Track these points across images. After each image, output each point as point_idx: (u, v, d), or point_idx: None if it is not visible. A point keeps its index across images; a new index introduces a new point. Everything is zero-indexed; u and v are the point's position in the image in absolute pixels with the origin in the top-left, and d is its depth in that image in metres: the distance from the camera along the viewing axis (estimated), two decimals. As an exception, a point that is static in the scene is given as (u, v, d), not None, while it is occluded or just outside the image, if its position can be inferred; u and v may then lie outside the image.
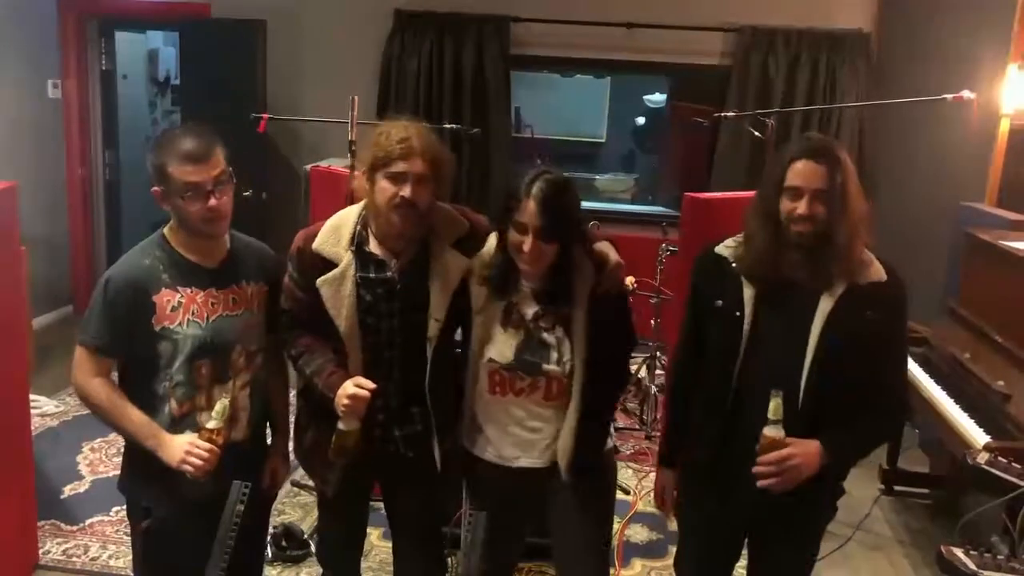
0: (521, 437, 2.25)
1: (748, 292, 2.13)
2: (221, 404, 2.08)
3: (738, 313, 2.12)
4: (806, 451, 2.03)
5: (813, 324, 2.07)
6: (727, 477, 2.19)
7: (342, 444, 2.19)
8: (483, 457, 2.30)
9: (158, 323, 2.11)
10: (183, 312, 2.13)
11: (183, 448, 2.06)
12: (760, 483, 2.03)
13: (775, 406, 1.99)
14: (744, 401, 2.13)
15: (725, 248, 2.22)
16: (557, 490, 2.26)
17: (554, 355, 2.17)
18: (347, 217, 2.28)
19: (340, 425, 2.17)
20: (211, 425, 2.06)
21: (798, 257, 2.08)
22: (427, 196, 2.16)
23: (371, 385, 2.12)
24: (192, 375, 2.14)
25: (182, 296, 2.13)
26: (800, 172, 2.03)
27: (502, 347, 2.20)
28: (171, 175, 2.07)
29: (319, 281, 2.20)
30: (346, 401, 2.12)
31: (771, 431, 2.01)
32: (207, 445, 2.05)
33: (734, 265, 2.16)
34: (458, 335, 2.35)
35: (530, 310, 2.19)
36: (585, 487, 2.27)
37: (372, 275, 2.22)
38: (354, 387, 2.12)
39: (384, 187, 2.14)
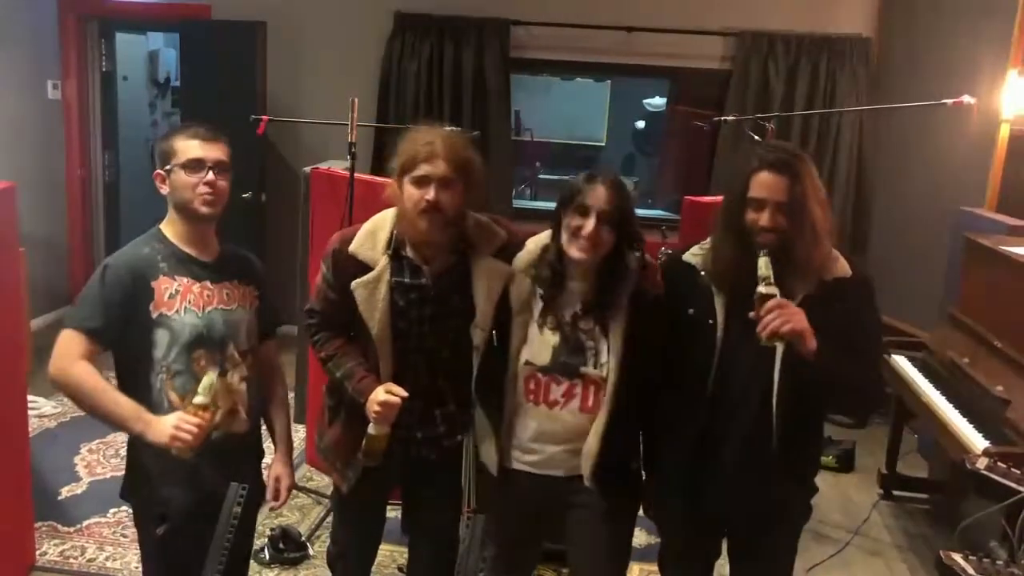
0: (553, 448, 2.24)
1: (720, 301, 2.15)
2: (208, 379, 2.07)
3: (711, 321, 2.14)
4: (802, 313, 2.00)
5: None
6: (703, 479, 2.21)
7: (371, 447, 2.22)
8: (511, 466, 2.29)
9: (156, 309, 2.12)
10: (180, 299, 2.14)
11: (171, 424, 2.02)
12: (761, 331, 1.96)
13: (764, 263, 1.99)
14: (718, 406, 2.14)
15: (692, 256, 2.24)
16: (580, 503, 2.25)
17: (592, 358, 2.17)
18: (384, 221, 2.28)
19: (370, 429, 2.20)
20: (198, 400, 2.04)
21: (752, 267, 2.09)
22: (453, 200, 2.16)
23: (403, 393, 2.15)
24: (190, 365, 2.14)
25: (179, 285, 2.15)
26: (763, 184, 2.05)
27: (539, 349, 2.20)
28: (177, 149, 2.14)
29: (354, 284, 2.21)
30: (377, 408, 2.15)
31: (763, 288, 1.99)
32: (195, 420, 2.03)
33: (703, 274, 2.18)
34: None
35: (569, 312, 2.19)
36: (609, 502, 2.25)
37: (407, 280, 2.23)
38: (385, 394, 2.15)
39: (410, 192, 2.16)
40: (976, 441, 3.02)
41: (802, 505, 2.32)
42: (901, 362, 3.91)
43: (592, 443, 2.18)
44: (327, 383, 2.40)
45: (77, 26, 6.19)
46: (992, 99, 4.43)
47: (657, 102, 8.14)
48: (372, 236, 2.26)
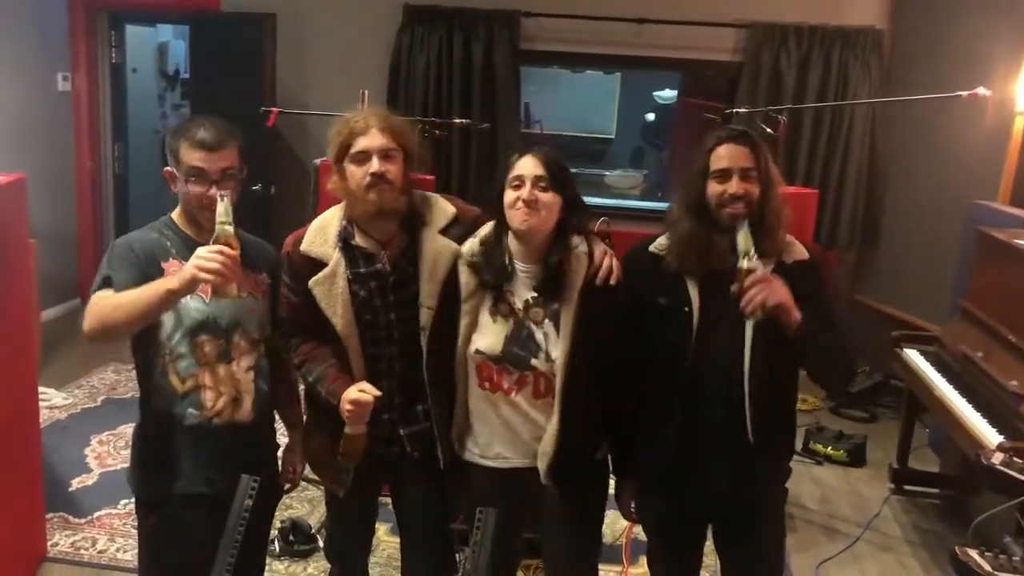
0: (510, 436, 2.21)
1: (694, 287, 2.15)
2: (222, 204, 1.99)
3: (686, 308, 2.14)
4: (783, 284, 2.03)
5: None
6: (683, 473, 2.20)
7: (349, 448, 2.19)
8: (472, 460, 2.27)
9: None
10: None
11: (192, 262, 1.94)
12: (745, 306, 1.98)
13: (743, 237, 2.01)
14: (694, 395, 2.14)
15: (658, 246, 2.24)
16: (546, 496, 2.22)
17: (542, 350, 2.14)
18: (331, 216, 2.27)
19: (347, 430, 2.17)
20: (219, 230, 1.97)
21: (728, 242, 2.11)
22: (397, 170, 2.15)
23: (375, 392, 2.12)
24: (194, 350, 2.14)
25: None
26: (725, 154, 2.11)
27: (491, 338, 2.17)
28: (181, 157, 2.10)
29: (311, 282, 2.19)
30: (349, 407, 2.12)
31: (746, 262, 2.00)
32: (215, 247, 1.94)
33: (670, 262, 2.19)
34: None
35: (520, 299, 2.16)
36: (573, 497, 2.22)
37: (363, 269, 2.20)
38: (357, 392, 2.12)
39: (353, 171, 2.14)
40: (990, 436, 3.00)
41: (780, 484, 2.33)
42: (913, 356, 3.88)
43: (547, 443, 2.15)
44: (305, 391, 2.37)
45: (87, 18, 6.19)
46: (1007, 91, 4.39)
47: (668, 94, 8.10)
48: (322, 232, 2.23)
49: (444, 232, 2.23)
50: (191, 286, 1.96)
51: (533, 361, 2.14)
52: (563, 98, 8.07)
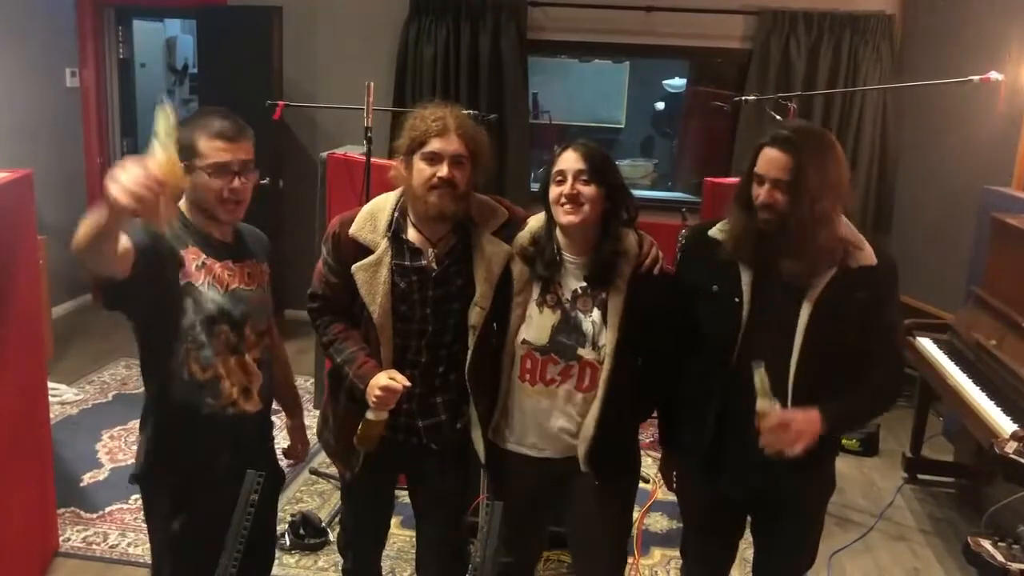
0: (549, 428, 2.23)
1: (746, 277, 2.12)
2: (164, 114, 1.63)
3: (737, 299, 2.12)
4: (805, 415, 2.02)
5: (802, 308, 2.08)
6: (724, 460, 2.19)
7: (368, 433, 2.20)
8: (508, 448, 2.29)
9: (184, 277, 2.09)
10: (205, 273, 2.12)
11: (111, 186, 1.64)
12: (767, 451, 2.01)
13: (759, 378, 2.00)
14: (739, 384, 2.11)
15: (719, 232, 2.20)
16: (578, 482, 2.24)
17: (590, 340, 2.15)
18: (384, 204, 2.27)
19: (368, 415, 2.18)
20: (158, 150, 1.61)
21: (768, 243, 2.09)
22: (464, 177, 2.15)
23: (406, 382, 2.13)
24: (213, 341, 2.13)
25: (205, 259, 2.12)
26: (765, 159, 2.05)
27: (538, 328, 2.18)
28: (201, 149, 2.04)
29: (355, 267, 2.20)
30: (378, 392, 2.13)
31: (762, 404, 2.00)
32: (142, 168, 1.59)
33: (728, 250, 2.16)
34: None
35: (569, 290, 2.17)
36: (606, 480, 2.24)
37: (407, 263, 2.21)
38: (387, 379, 2.12)
39: (421, 168, 2.14)
40: (1004, 424, 2.97)
41: (825, 478, 2.30)
42: (926, 344, 3.85)
43: (588, 426, 2.17)
44: (329, 369, 2.39)
45: (94, 13, 6.20)
46: (1020, 75, 4.34)
47: (677, 83, 8.06)
48: (372, 219, 2.24)
49: (496, 234, 2.25)
50: (114, 215, 1.74)
51: (580, 351, 2.15)
52: (571, 88, 8.03)
